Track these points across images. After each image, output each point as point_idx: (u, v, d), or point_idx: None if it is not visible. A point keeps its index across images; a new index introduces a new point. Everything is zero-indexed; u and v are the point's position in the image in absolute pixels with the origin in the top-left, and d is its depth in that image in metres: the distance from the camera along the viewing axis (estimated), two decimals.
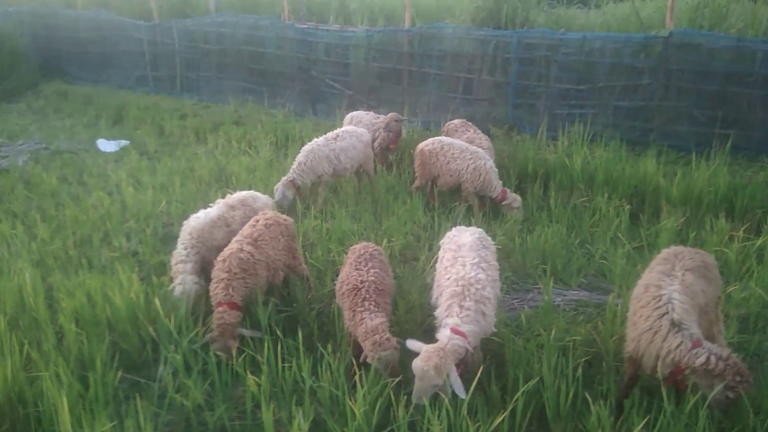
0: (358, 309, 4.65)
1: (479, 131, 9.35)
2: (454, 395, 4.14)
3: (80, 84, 18.32)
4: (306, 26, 14.01)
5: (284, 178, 8.08)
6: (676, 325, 4.05)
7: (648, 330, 4.14)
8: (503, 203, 7.87)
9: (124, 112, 14.59)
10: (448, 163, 7.98)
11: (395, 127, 9.29)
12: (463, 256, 4.88)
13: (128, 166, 10.26)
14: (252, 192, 6.68)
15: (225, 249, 5.42)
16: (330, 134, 8.52)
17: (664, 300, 4.19)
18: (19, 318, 5.37)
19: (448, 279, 4.72)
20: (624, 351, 4.49)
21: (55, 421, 4.09)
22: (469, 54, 11.67)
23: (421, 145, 8.29)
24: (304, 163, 8.09)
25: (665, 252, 4.83)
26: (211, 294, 5.18)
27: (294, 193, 8.03)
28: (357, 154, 8.48)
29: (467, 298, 4.47)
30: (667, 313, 4.12)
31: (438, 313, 4.63)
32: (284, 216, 5.96)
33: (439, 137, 8.50)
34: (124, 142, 12.10)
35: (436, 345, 4.17)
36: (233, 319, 4.95)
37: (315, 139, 8.47)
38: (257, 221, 5.71)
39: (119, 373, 4.66)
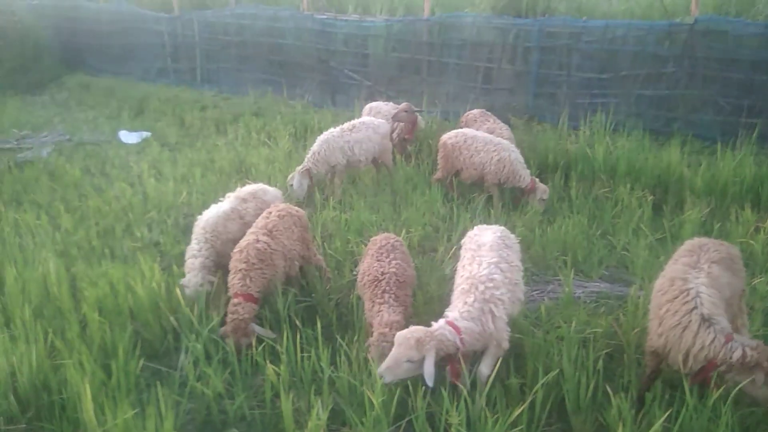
0: (378, 300, 4.67)
1: (499, 121, 9.25)
2: (473, 386, 4.13)
3: (102, 76, 18.54)
4: (325, 17, 13.98)
5: (300, 167, 8.11)
6: (706, 320, 3.97)
7: (677, 325, 4.04)
8: (531, 194, 7.74)
9: (145, 103, 14.73)
10: (471, 156, 7.85)
11: (404, 118, 9.17)
12: (481, 255, 4.70)
13: (150, 157, 10.36)
14: (261, 185, 6.63)
15: (241, 241, 5.43)
16: (346, 125, 8.48)
17: (692, 294, 4.11)
18: (44, 307, 5.46)
19: (462, 277, 4.61)
20: (646, 344, 4.42)
21: (78, 408, 4.15)
22: (489, 43, 11.54)
23: (444, 138, 8.18)
24: (318, 153, 8.09)
25: (689, 244, 4.73)
26: (228, 285, 5.20)
27: (309, 182, 8.06)
28: (372, 146, 8.41)
29: (472, 295, 4.33)
30: (696, 307, 4.03)
31: (447, 311, 4.49)
32: (296, 207, 5.98)
33: (463, 129, 8.36)
34: (145, 134, 12.22)
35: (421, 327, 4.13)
36: (247, 314, 4.92)
37: (331, 129, 8.45)
38: (270, 213, 5.71)
39: (141, 362, 4.71)
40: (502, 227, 5.25)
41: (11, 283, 5.63)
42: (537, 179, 7.89)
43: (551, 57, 10.96)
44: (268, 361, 4.57)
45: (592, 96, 10.59)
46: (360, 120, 8.71)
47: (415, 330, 4.05)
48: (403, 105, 9.29)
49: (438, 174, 8.32)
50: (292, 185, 7.96)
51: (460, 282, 4.57)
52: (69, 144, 11.57)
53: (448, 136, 8.14)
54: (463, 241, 5.24)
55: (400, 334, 4.04)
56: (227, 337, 4.86)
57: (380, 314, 4.56)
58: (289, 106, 13.27)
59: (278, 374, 4.48)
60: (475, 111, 9.50)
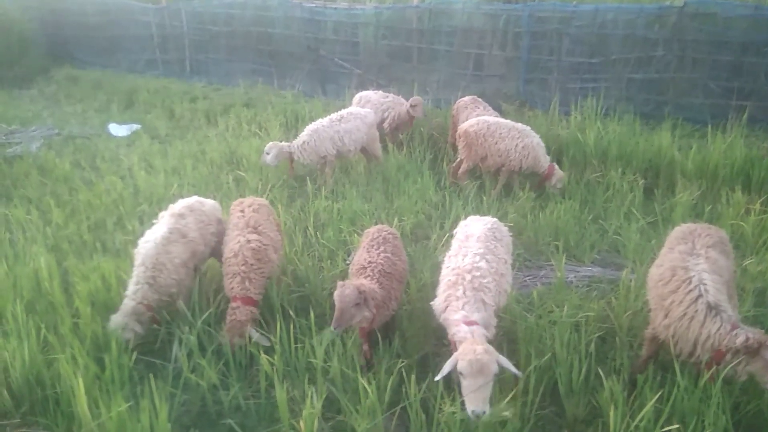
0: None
1: (490, 108, 9.24)
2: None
3: (90, 69, 18.35)
4: (314, 5, 13.87)
5: (283, 144, 8.13)
6: (713, 308, 3.97)
7: (683, 316, 4.03)
8: (548, 180, 7.73)
9: (134, 96, 14.61)
10: (496, 143, 7.75)
11: (419, 112, 9.30)
12: (468, 246, 4.65)
13: (140, 150, 10.29)
14: (196, 197, 6.02)
15: (230, 243, 5.28)
16: (334, 115, 8.48)
17: (695, 282, 4.10)
18: (36, 302, 5.43)
19: (447, 268, 4.56)
20: (647, 331, 4.43)
21: (72, 402, 4.15)
22: (480, 29, 11.50)
23: (464, 126, 8.06)
24: (307, 143, 8.10)
25: (679, 230, 4.72)
26: (225, 288, 5.15)
27: (288, 162, 8.19)
28: (361, 135, 8.42)
29: (461, 286, 4.26)
30: (701, 296, 4.03)
31: (435, 303, 4.44)
32: (261, 198, 5.97)
33: (484, 117, 8.24)
34: (135, 126, 12.13)
35: (465, 345, 3.82)
36: (244, 317, 4.84)
37: (320, 120, 8.44)
38: (244, 210, 5.57)
39: (134, 355, 4.70)
40: (495, 219, 5.17)
41: (2, 278, 5.61)
42: (555, 165, 7.85)
43: (542, 42, 10.94)
44: (262, 352, 4.57)
45: (583, 81, 10.59)
46: (347, 110, 8.69)
47: (469, 347, 3.73)
48: (415, 99, 9.34)
49: (464, 166, 8.07)
50: (267, 154, 8.00)
51: (446, 273, 4.51)
52: (58, 138, 11.47)
53: (470, 124, 7.99)
54: (455, 230, 5.23)
55: (472, 363, 3.62)
56: (222, 337, 4.82)
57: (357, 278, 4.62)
58: (280, 96, 13.19)
59: (273, 364, 4.48)
60: (467, 98, 9.45)
